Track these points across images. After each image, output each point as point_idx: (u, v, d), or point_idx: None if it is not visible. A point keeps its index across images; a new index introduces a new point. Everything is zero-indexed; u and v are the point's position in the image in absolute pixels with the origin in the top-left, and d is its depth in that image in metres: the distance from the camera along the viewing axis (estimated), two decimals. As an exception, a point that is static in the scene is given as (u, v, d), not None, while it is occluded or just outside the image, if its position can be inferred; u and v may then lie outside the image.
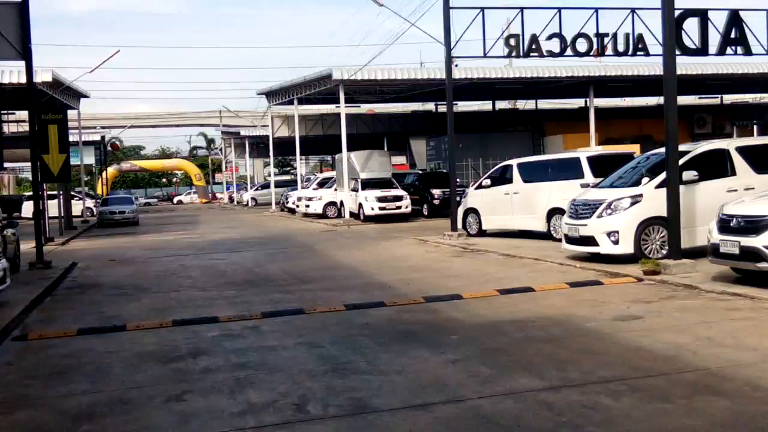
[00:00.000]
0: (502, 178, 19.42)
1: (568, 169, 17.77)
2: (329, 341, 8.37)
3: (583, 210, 13.46)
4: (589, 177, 16.84)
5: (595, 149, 24.65)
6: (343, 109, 30.99)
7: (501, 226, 19.28)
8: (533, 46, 21.32)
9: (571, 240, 13.67)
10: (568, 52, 21.70)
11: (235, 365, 7.50)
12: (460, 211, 20.25)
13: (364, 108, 48.11)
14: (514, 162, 19.37)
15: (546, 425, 5.31)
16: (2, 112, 24.90)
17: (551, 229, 17.24)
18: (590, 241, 13.14)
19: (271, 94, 39.03)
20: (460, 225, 19.96)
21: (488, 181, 19.68)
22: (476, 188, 20.28)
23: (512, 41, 21.10)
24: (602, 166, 16.73)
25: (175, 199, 75.63)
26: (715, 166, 13.08)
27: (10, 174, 64.94)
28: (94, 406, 6.30)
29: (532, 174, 18.62)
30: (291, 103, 37.35)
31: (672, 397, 5.78)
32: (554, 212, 17.12)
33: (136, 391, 6.74)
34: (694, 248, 12.09)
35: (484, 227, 19.64)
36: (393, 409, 5.87)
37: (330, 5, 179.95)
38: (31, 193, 22.72)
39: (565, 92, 39.74)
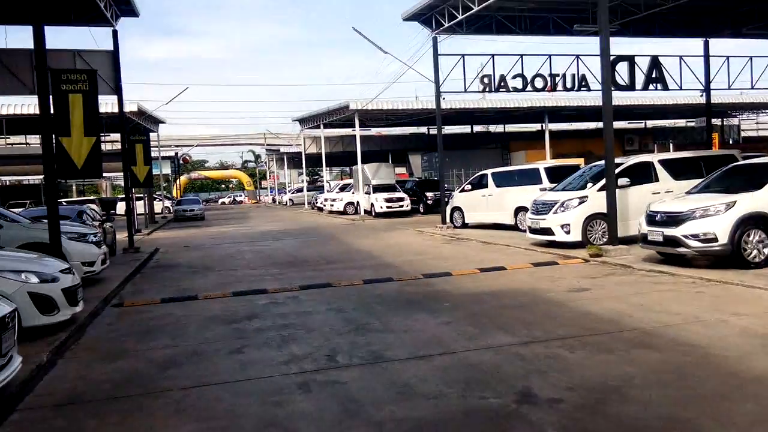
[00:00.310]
0: (479, 183, 19.29)
1: (530, 177, 17.65)
2: (351, 308, 8.32)
3: (543, 208, 13.35)
4: (546, 183, 16.73)
5: (550, 162, 24.47)
6: (357, 131, 30.92)
7: (479, 220, 19.17)
8: (502, 84, 21.22)
9: (533, 231, 13.57)
10: (528, 88, 21.64)
11: (280, 326, 7.46)
12: (448, 209, 20.14)
13: (374, 131, 47.95)
14: (489, 171, 19.26)
15: (519, 372, 5.26)
16: (101, 134, 24.89)
17: (518, 222, 17.12)
18: (548, 231, 13.04)
19: (303, 120, 39.03)
20: (448, 219, 19.86)
21: (469, 186, 19.57)
22: (460, 191, 20.17)
23: (486, 80, 20.94)
24: (556, 175, 16.63)
25: (219, 201, 76.06)
26: (643, 174, 12.97)
27: (107, 181, 65.04)
28: (175, 357, 6.28)
29: (503, 180, 18.50)
30: (318, 127, 37.33)
31: (614, 350, 5.72)
32: (520, 210, 17.00)
33: (206, 345, 6.72)
34: (627, 237, 11.99)
35: (466, 221, 19.51)
36: (402, 359, 5.82)
37: (348, 52, 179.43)
38: (123, 196, 22.67)
39: (526, 119, 39.61)
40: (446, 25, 19.10)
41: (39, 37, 9.33)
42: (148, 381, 5.52)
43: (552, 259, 11.71)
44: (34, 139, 34.17)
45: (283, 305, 8.74)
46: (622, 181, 12.34)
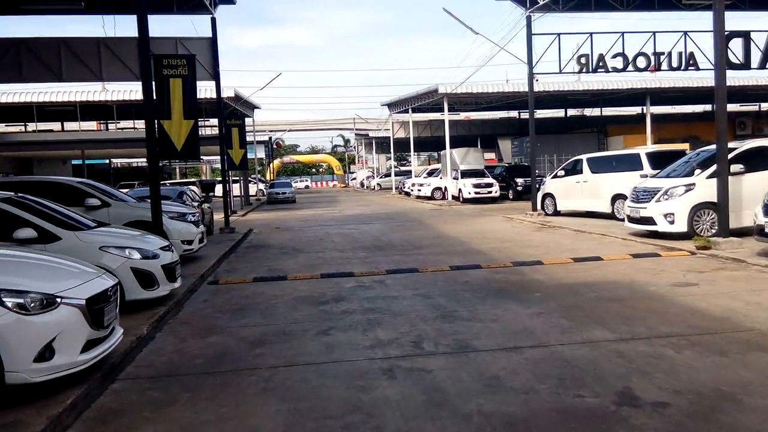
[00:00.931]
0: (573, 169, 18.42)
1: (630, 163, 16.59)
2: (438, 294, 8.14)
3: (644, 195, 12.51)
4: (647, 169, 15.66)
5: (651, 147, 22.97)
6: (446, 116, 30.46)
7: (572, 207, 18.34)
8: (600, 64, 20.19)
9: (632, 220, 12.76)
10: (630, 68, 20.46)
11: (366, 309, 7.42)
12: (539, 195, 19.43)
13: (462, 115, 47.18)
14: (584, 157, 18.33)
15: (619, 370, 4.88)
16: (200, 118, 26.01)
17: (615, 211, 16.21)
18: (649, 221, 12.21)
19: (392, 105, 39.00)
20: (539, 206, 19.18)
21: (562, 172, 18.74)
22: (552, 177, 19.38)
23: (583, 60, 19.97)
24: (658, 161, 15.51)
25: (303, 185, 77.13)
26: (759, 160, 11.80)
27: (206, 164, 68.37)
28: (264, 335, 6.38)
29: (599, 166, 17.54)
30: (406, 111, 37.17)
31: (728, 352, 5.20)
32: (617, 197, 16.09)
33: (294, 325, 6.79)
34: (740, 228, 11.00)
35: (558, 209, 18.74)
36: (490, 349, 5.59)
37: (437, 35, 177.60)
38: (220, 178, 23.63)
39: (624, 101, 37.40)
40: (541, 2, 18.29)
41: (143, 26, 9.76)
42: (239, 358, 5.63)
43: (654, 251, 10.96)
44: (141, 124, 36.41)
45: (369, 289, 8.71)
46: (735, 167, 11.30)
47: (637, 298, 7.41)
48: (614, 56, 20.29)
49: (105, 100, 29.51)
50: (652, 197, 12.18)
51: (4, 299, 4.21)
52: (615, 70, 20.64)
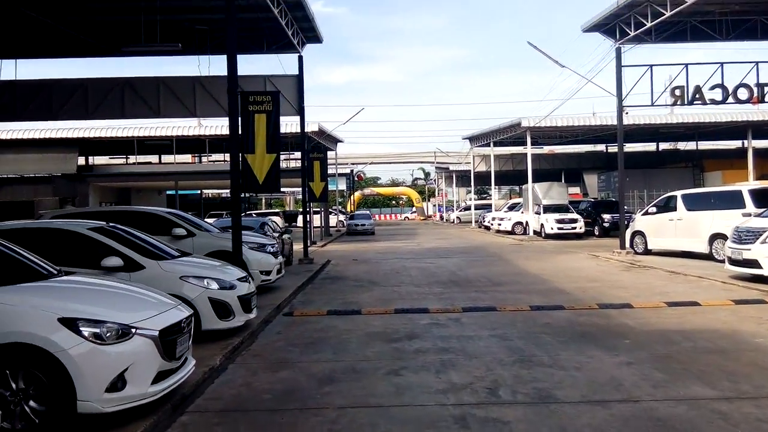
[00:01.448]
0: (666, 206, 17.32)
1: (730, 200, 15.39)
2: (516, 336, 7.72)
3: (747, 236, 11.48)
4: (750, 207, 14.44)
5: (755, 184, 21.30)
6: (529, 149, 29.81)
7: (664, 247, 17.20)
8: (697, 96, 19.06)
9: (734, 262, 11.72)
10: (730, 99, 19.14)
11: (440, 349, 7.13)
12: (628, 233, 18.40)
13: (546, 149, 46.09)
14: (678, 193, 17.21)
15: (722, 435, 4.32)
16: (284, 152, 26.81)
17: (713, 251, 15.02)
18: (754, 264, 11.15)
19: (473, 139, 38.81)
20: (627, 244, 18.15)
21: (654, 209, 17.68)
22: (643, 214, 18.31)
23: (677, 92, 18.91)
24: (763, 198, 14.34)
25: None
26: None
27: (291, 195, 70.56)
28: (334, 372, 6.22)
29: (695, 203, 16.39)
30: (488, 145, 36.84)
31: None
32: (716, 237, 14.91)
33: (365, 363, 6.60)
34: None
35: (649, 247, 17.63)
36: (573, 402, 5.15)
37: (520, 69, 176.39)
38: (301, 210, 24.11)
39: (723, 134, 35.24)
40: (632, 34, 17.58)
41: (232, 65, 10.15)
42: (307, 396, 5.49)
43: (759, 297, 9.97)
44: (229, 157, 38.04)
45: (444, 327, 8.40)
46: None
47: (740, 351, 6.67)
48: (712, 88, 19.12)
49: (198, 135, 31.21)
50: (757, 238, 11.15)
51: (81, 328, 4.30)
52: (713, 102, 19.45)
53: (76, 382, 4.18)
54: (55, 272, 5.37)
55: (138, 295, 5.31)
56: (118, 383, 4.36)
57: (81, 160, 33.48)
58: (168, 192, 41.69)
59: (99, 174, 32.23)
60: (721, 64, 18.93)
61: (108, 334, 4.39)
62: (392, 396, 5.44)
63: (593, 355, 6.66)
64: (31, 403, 4.21)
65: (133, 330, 4.53)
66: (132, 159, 37.36)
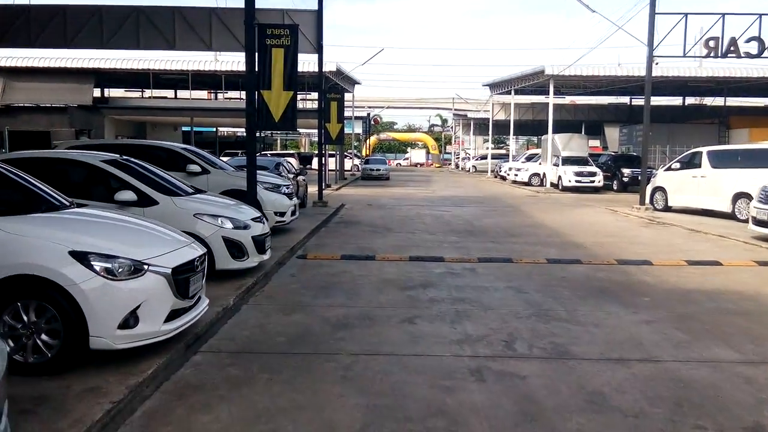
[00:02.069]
0: (690, 162, 16.83)
1: (758, 159, 14.90)
2: (533, 288, 7.58)
3: (775, 196, 11.13)
4: (779, 166, 13.99)
5: (784, 142, 20.65)
6: (551, 99, 29.01)
7: (685, 204, 16.82)
8: (731, 48, 18.26)
9: (759, 222, 11.39)
10: (766, 54, 18.30)
11: (455, 299, 7.02)
12: (649, 188, 17.98)
13: (567, 99, 44.91)
14: (703, 149, 16.68)
15: (747, 400, 4.19)
16: (300, 92, 26.31)
17: (735, 211, 14.66)
18: (780, 225, 10.86)
19: (494, 86, 37.83)
20: (647, 200, 17.79)
21: (677, 165, 17.21)
22: (665, 170, 17.86)
23: (711, 43, 18.14)
24: (793, 158, 13.85)
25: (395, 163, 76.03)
26: None
27: (306, 137, 70.00)
28: (347, 318, 6.14)
29: (721, 161, 15.89)
30: (509, 93, 35.92)
31: None
32: (740, 196, 14.51)
33: (378, 309, 6.51)
34: None
35: (669, 204, 17.26)
36: (592, 359, 5.03)
37: (545, 15, 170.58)
38: (317, 151, 23.82)
39: (754, 90, 33.99)
40: (669, -22, 16.64)
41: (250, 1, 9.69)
42: (320, 340, 5.41)
43: (783, 260, 9.71)
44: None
45: (459, 276, 8.28)
46: None
47: (765, 314, 6.50)
48: (748, 41, 18.33)
49: (214, 71, 30.61)
50: (786, 199, 10.80)
51: (93, 263, 4.18)
52: (748, 55, 18.69)
53: (88, 317, 4.10)
54: (68, 204, 5.23)
55: (151, 231, 5.18)
56: (130, 320, 4.28)
57: (97, 92, 33.12)
58: (183, 128, 41.45)
59: (114, 106, 31.94)
60: (760, 16, 18.06)
61: (120, 270, 4.28)
62: (406, 345, 5.35)
63: (611, 312, 6.51)
64: (43, 336, 4.15)
65: (146, 266, 4.41)
66: (148, 93, 36.93)
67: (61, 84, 29.18)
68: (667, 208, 17.25)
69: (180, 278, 4.66)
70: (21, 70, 29.08)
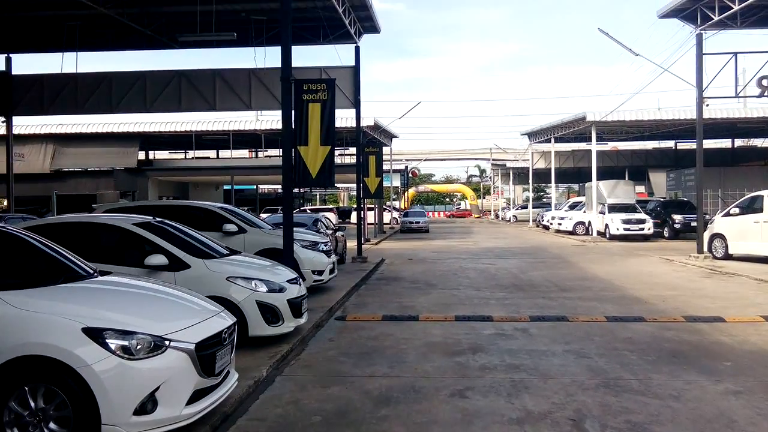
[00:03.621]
0: (750, 207, 15.82)
1: (828, 201, 13.86)
2: (595, 352, 6.83)
3: None
4: None
5: None
6: (594, 145, 28.35)
7: (748, 251, 15.70)
8: (786, 87, 17.38)
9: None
10: (822, 91, 17.37)
11: (509, 366, 6.33)
12: (706, 235, 16.94)
13: (609, 145, 44.05)
14: (764, 193, 15.67)
15: None
16: (338, 147, 26.37)
17: (807, 258, 13.56)
18: None
19: (532, 135, 37.44)
20: (705, 248, 16.72)
21: (737, 210, 16.19)
22: (723, 216, 16.84)
23: (765, 82, 17.31)
24: None
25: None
26: None
27: (345, 191, 70.50)
28: (391, 391, 5.53)
29: (785, 204, 14.87)
30: (548, 141, 35.42)
31: None
32: (811, 242, 13.44)
33: (425, 380, 5.88)
34: None
35: (730, 252, 16.17)
36: (678, 443, 4.28)
37: (583, 64, 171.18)
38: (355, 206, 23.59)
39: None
40: (715, 18, 16.13)
41: (286, 50, 9.61)
42: (361, 419, 4.82)
43: None
44: (286, 152, 37.97)
45: (511, 339, 7.58)
46: None
47: None
48: (803, 78, 17.46)
49: (254, 130, 31.18)
50: None
51: (108, 340, 3.76)
52: (804, 93, 17.74)
53: (101, 402, 3.64)
54: (90, 272, 4.88)
55: (176, 300, 4.76)
56: (147, 404, 3.80)
57: (141, 155, 34.12)
58: (225, 187, 42.18)
59: (158, 168, 32.71)
60: (815, 52, 17.23)
61: (138, 347, 3.84)
62: (459, 425, 4.70)
63: (691, 381, 5.72)
64: (52, 425, 3.70)
65: (167, 342, 3.96)
66: (190, 154, 37.87)
67: (107, 148, 30.13)
68: (728, 256, 16.15)
69: (205, 354, 4.19)
70: (70, 136, 30.20)
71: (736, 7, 15.44)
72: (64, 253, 5.00)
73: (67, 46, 17.12)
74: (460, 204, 74.10)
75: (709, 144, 42.37)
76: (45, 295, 4.08)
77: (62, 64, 17.18)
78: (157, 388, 3.83)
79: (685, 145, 41.19)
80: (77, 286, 4.50)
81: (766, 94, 17.10)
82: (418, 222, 36.05)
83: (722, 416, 4.80)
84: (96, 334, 3.74)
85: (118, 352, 3.75)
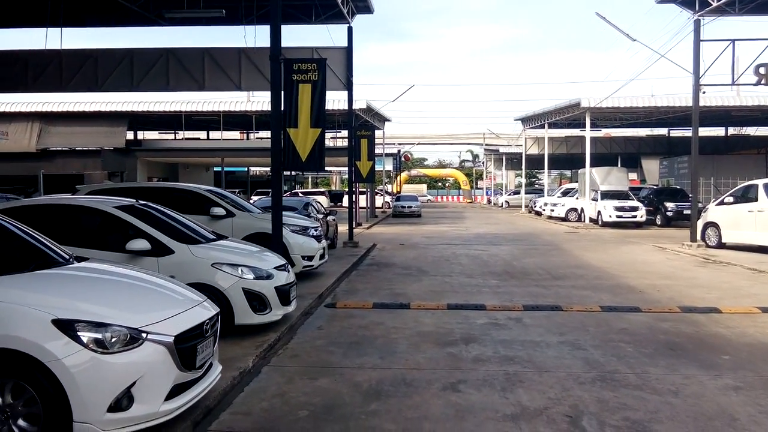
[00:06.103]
0: (744, 196, 15.72)
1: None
2: (590, 344, 6.67)
3: None
4: None
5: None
6: (588, 132, 28.12)
7: (741, 240, 15.62)
8: (783, 75, 17.20)
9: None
10: (821, 79, 17.20)
11: (503, 358, 6.16)
12: (700, 224, 16.85)
13: (603, 132, 43.84)
14: (759, 182, 15.56)
15: None
16: (330, 130, 26.01)
17: (801, 248, 13.49)
18: None
19: (526, 120, 37.16)
20: (699, 236, 16.64)
21: (730, 199, 16.09)
22: (717, 204, 16.74)
23: (762, 70, 17.11)
24: None
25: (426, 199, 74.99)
26: None
27: (337, 174, 70.13)
28: (381, 384, 5.34)
29: (780, 194, 14.77)
30: (542, 127, 35.20)
31: None
32: (805, 232, 13.36)
33: (416, 372, 5.70)
34: None
35: (723, 241, 16.08)
36: (680, 442, 4.12)
37: (577, 49, 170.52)
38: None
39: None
40: (714, 4, 15.88)
41: (275, 30, 9.29)
42: (350, 415, 4.62)
43: None
44: (278, 134, 37.47)
45: (504, 328, 7.41)
46: None
47: None
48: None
49: (245, 111, 30.68)
50: None
51: (80, 333, 3.52)
52: (802, 81, 17.57)
53: (72, 399, 3.41)
54: (66, 258, 4.62)
55: (157, 289, 4.53)
56: (123, 401, 3.58)
57: (130, 135, 33.54)
58: (215, 168, 41.70)
59: (147, 149, 32.19)
60: (815, 40, 17.05)
61: (113, 340, 3.60)
62: (450, 420, 4.52)
63: (689, 375, 5.58)
64: (20, 422, 3.48)
65: (144, 335, 3.73)
66: (180, 135, 37.32)
67: (95, 127, 29.56)
68: (721, 245, 16.08)
69: (185, 347, 3.96)
70: (56, 115, 29.58)
71: (736, -7, 15.22)
72: (36, 236, 4.73)
73: (51, 22, 16.60)
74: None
75: (702, 132, 41.97)
76: (13, 283, 3.83)
77: (46, 41, 16.65)
78: (133, 384, 3.61)
79: (678, 132, 41.09)
80: (49, 273, 4.25)
81: (763, 82, 16.92)
82: (411, 207, 35.81)
83: (723, 413, 4.65)
84: (67, 327, 3.50)
85: (90, 346, 3.52)
